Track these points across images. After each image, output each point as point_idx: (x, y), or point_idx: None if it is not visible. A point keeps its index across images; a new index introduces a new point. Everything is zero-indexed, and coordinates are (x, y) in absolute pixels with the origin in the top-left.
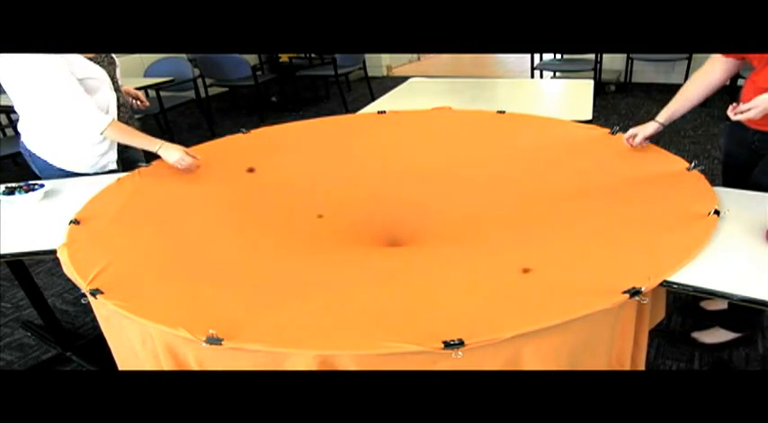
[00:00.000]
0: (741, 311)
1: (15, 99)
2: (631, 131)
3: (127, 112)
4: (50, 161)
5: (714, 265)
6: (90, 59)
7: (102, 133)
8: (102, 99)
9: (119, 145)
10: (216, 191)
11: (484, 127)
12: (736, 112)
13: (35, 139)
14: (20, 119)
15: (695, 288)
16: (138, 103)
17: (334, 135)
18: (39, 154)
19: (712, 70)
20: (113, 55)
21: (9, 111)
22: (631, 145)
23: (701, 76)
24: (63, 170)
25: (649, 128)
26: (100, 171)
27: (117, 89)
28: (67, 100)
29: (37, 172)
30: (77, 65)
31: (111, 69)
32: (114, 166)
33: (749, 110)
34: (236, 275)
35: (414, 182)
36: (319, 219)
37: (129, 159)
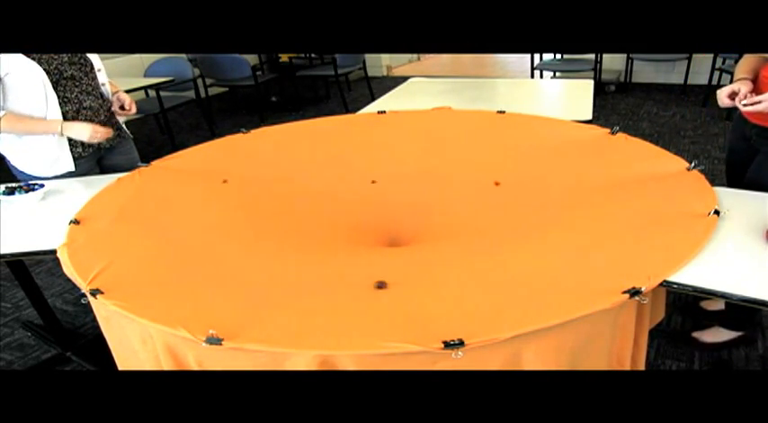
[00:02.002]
0: (739, 310)
1: None
2: (729, 89)
3: (96, 117)
4: (13, 163)
5: (714, 265)
6: (37, 59)
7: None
8: (31, 97)
9: (97, 151)
10: (216, 191)
11: (484, 127)
12: (745, 103)
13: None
14: None
15: (695, 288)
16: (120, 111)
17: (335, 135)
18: (6, 157)
19: None
20: (95, 58)
21: None
22: (739, 104)
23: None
24: (24, 173)
25: (744, 83)
26: (58, 174)
27: (87, 92)
28: None
29: (13, 173)
30: (2, 61)
31: (70, 69)
32: (71, 167)
33: (759, 102)
34: (236, 275)
35: (414, 182)
36: (319, 218)
37: (110, 166)
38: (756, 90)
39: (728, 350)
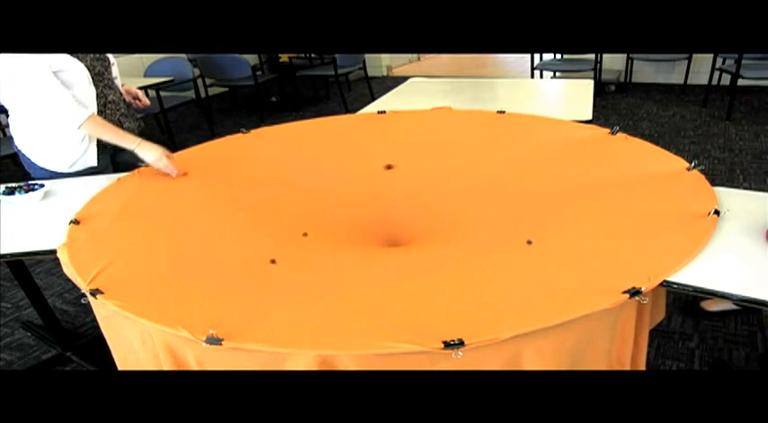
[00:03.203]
0: None
1: (2, 97)
2: None
3: (118, 110)
4: (33, 160)
5: (714, 265)
6: (78, 57)
7: (79, 127)
8: (78, 93)
9: (112, 148)
10: (216, 191)
11: (484, 127)
12: None
13: (20, 136)
14: (9, 117)
15: (695, 288)
16: (138, 102)
17: (335, 135)
18: (24, 152)
19: None
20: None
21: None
22: None
23: None
24: (45, 169)
25: None
26: (80, 169)
27: (109, 86)
28: (45, 94)
29: (28, 170)
30: (52, 58)
31: (98, 65)
32: (94, 163)
33: None
34: (236, 275)
35: (414, 182)
36: (319, 218)
37: (123, 162)
38: None
39: (728, 350)
